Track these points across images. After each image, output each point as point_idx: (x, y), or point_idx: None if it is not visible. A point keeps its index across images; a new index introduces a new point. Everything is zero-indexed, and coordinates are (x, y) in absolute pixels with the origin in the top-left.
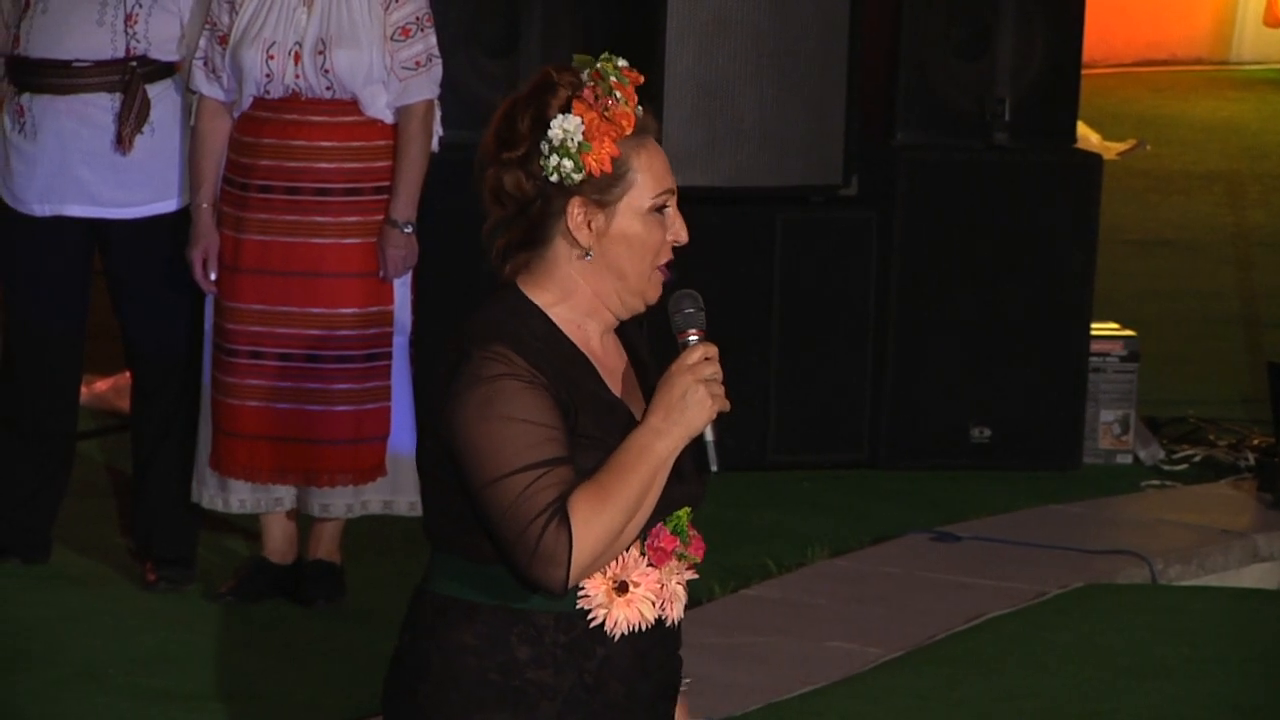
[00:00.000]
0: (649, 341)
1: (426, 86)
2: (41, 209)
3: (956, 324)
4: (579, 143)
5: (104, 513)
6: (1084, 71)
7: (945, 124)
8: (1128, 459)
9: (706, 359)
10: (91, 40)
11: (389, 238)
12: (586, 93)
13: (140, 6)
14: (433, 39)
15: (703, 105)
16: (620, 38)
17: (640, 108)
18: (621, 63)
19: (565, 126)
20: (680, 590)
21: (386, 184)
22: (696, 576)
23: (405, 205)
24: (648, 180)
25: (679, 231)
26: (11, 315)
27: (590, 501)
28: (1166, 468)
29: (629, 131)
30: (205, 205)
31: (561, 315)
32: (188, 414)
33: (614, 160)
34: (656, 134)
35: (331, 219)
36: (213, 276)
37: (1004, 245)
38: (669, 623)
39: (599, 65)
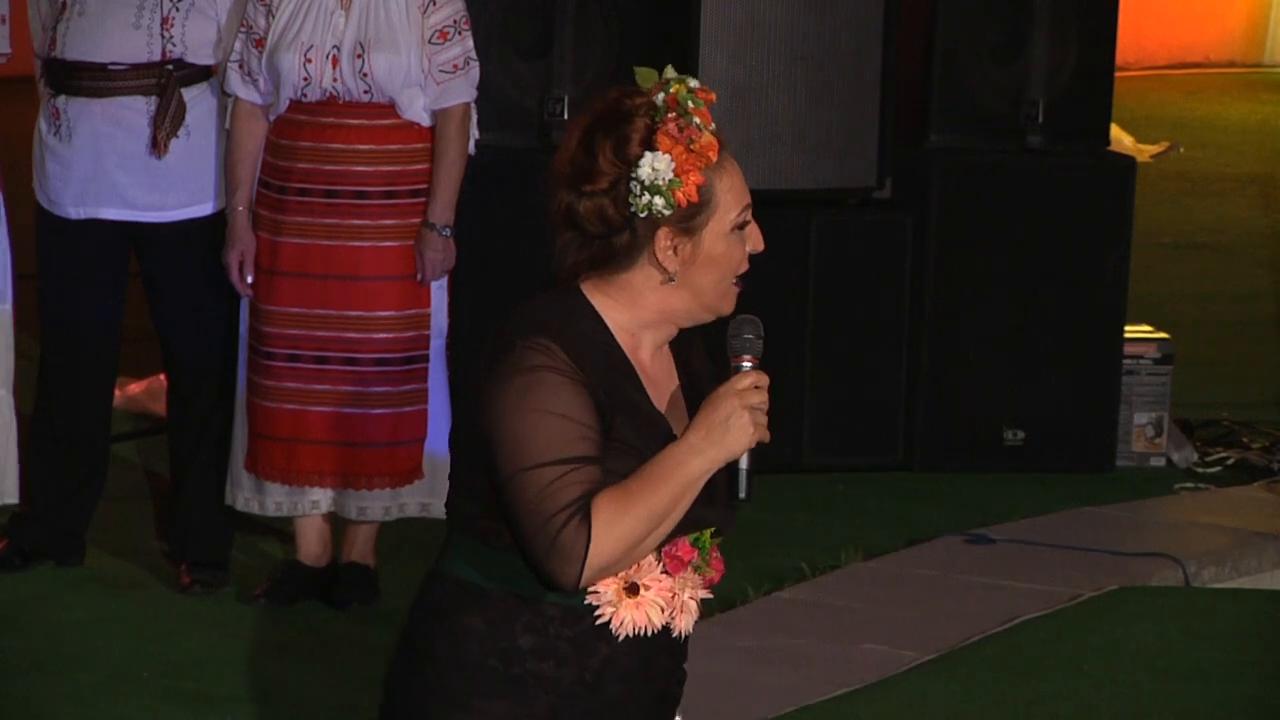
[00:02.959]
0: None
1: (464, 89)
2: (76, 212)
3: (990, 326)
4: (669, 180)
5: (138, 516)
6: (1117, 74)
7: (979, 126)
8: (1161, 462)
9: (756, 387)
10: (128, 43)
11: (427, 240)
12: (670, 125)
13: (177, 10)
14: (470, 42)
15: (736, 107)
16: (654, 40)
17: (714, 126)
18: (694, 83)
19: (655, 166)
20: (692, 605)
21: (424, 187)
22: (711, 595)
23: (443, 208)
24: (730, 201)
25: (756, 242)
26: (47, 317)
27: (615, 505)
28: (1200, 470)
29: (715, 160)
30: (241, 208)
31: (617, 321)
32: (224, 417)
33: (699, 188)
34: (729, 146)
35: (369, 222)
36: (249, 279)
37: (1038, 248)
38: (676, 633)
39: (674, 89)
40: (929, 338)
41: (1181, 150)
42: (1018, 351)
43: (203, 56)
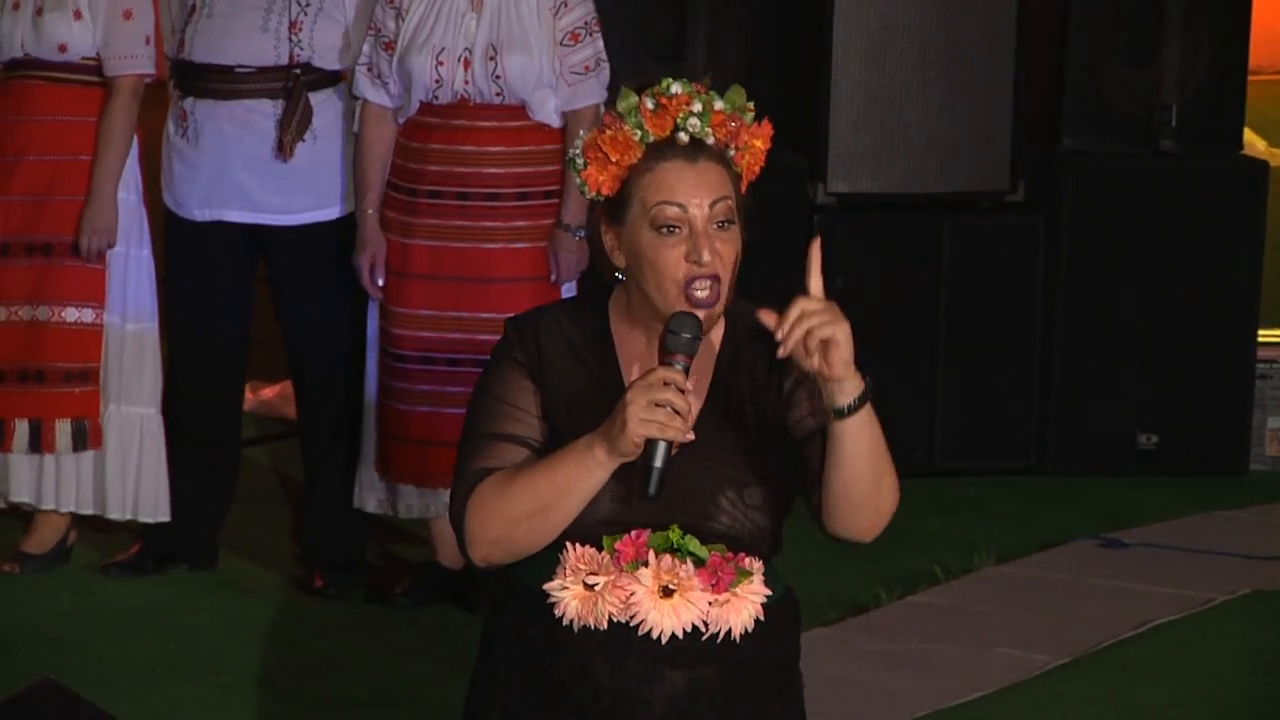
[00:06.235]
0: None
1: (595, 91)
2: (202, 214)
3: (1123, 330)
4: (579, 160)
5: (271, 519)
6: (1250, 77)
7: (1112, 130)
8: None
9: (666, 383)
10: (255, 46)
11: (561, 241)
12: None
13: (305, 14)
14: (600, 43)
15: (870, 112)
16: (786, 44)
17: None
18: (676, 87)
19: (574, 147)
20: (674, 609)
21: (556, 188)
22: (715, 596)
23: (576, 209)
24: (648, 197)
25: (695, 251)
26: (174, 320)
27: (497, 480)
28: None
29: (620, 155)
30: (371, 211)
31: (619, 320)
32: (354, 418)
33: (620, 181)
34: (685, 154)
35: (502, 224)
36: (380, 282)
37: (1170, 251)
38: (654, 634)
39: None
40: (1061, 340)
41: None
42: (1150, 355)
43: (330, 61)
